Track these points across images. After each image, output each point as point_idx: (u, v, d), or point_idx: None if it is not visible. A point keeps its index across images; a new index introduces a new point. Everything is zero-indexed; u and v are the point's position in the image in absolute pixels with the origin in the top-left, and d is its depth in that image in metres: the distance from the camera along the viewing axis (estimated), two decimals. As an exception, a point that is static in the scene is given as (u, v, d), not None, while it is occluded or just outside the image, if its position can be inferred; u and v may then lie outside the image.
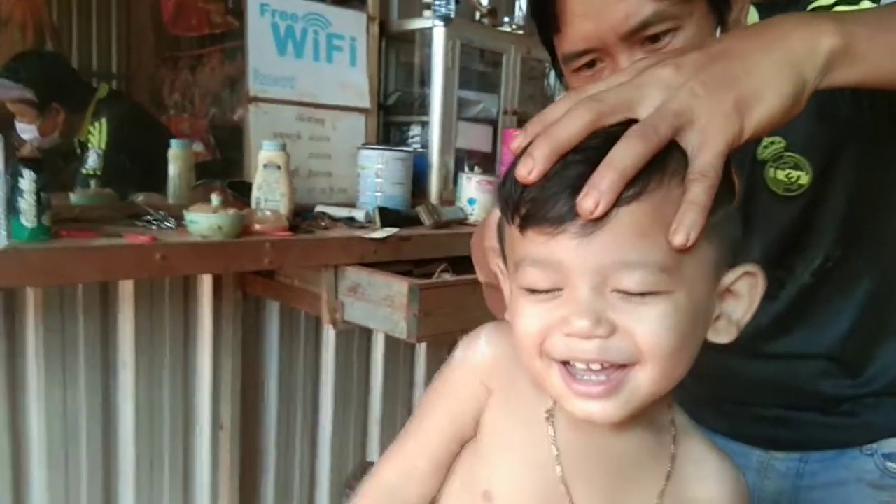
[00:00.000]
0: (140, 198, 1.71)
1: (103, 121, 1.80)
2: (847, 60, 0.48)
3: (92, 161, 1.73)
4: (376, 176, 1.78)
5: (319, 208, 1.75)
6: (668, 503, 0.53)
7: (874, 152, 0.70)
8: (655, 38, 0.65)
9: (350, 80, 1.91)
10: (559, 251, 0.45)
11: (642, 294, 0.45)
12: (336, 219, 1.70)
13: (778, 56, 0.47)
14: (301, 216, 1.68)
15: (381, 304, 1.47)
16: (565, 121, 0.46)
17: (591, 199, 0.43)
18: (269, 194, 1.53)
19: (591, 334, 0.45)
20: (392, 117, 2.08)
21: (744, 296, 0.50)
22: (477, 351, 0.57)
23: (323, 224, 1.63)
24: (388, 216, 1.66)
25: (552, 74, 2.15)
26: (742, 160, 0.69)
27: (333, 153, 1.89)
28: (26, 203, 1.17)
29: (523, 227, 0.48)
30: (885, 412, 0.78)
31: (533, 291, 0.48)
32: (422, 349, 2.23)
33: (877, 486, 0.80)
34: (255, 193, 1.53)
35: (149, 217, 1.45)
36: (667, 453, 0.54)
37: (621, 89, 0.47)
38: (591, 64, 0.69)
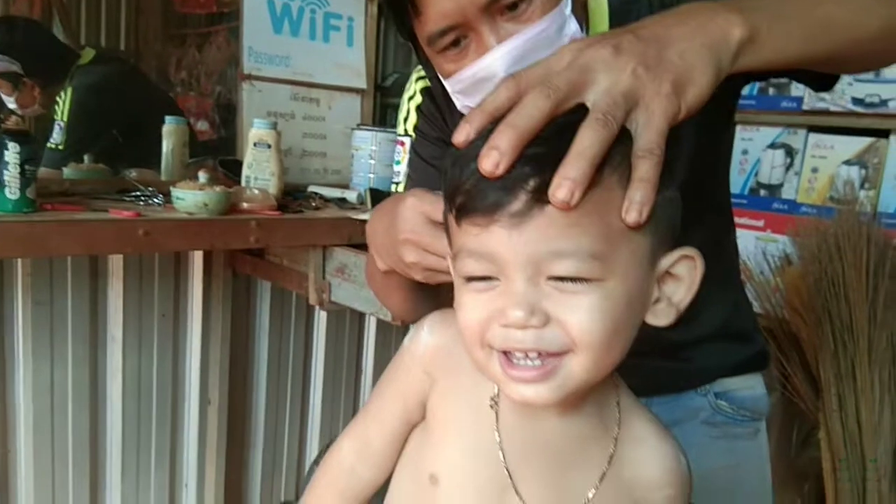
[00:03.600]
0: (133, 174, 1.71)
1: (69, 90, 1.73)
2: (752, 49, 0.52)
3: (56, 134, 1.70)
4: (370, 157, 1.78)
5: (312, 188, 1.75)
6: (608, 486, 0.54)
7: (707, 126, 0.74)
8: (514, 6, 0.67)
9: (347, 60, 1.90)
10: (492, 242, 0.46)
11: (574, 280, 0.45)
12: (328, 199, 1.69)
13: (701, 41, 0.50)
14: (292, 196, 1.68)
15: (368, 285, 1.46)
16: (524, 109, 0.46)
17: (566, 188, 0.43)
18: (259, 173, 1.53)
19: (526, 325, 0.45)
20: (389, 99, 2.07)
21: (684, 278, 0.50)
22: (419, 341, 0.58)
23: (314, 204, 1.63)
24: (379, 197, 1.66)
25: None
26: None
27: (328, 133, 1.88)
28: (10, 175, 1.18)
29: (458, 218, 0.48)
30: (717, 355, 0.86)
31: (471, 280, 0.48)
32: (414, 332, 2.23)
33: (709, 423, 0.87)
34: (244, 172, 1.53)
35: (138, 193, 1.45)
36: (610, 436, 0.54)
37: (567, 74, 0.47)
38: (456, 42, 0.69)
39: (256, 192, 1.46)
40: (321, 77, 1.84)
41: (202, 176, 1.38)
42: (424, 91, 0.85)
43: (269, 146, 1.53)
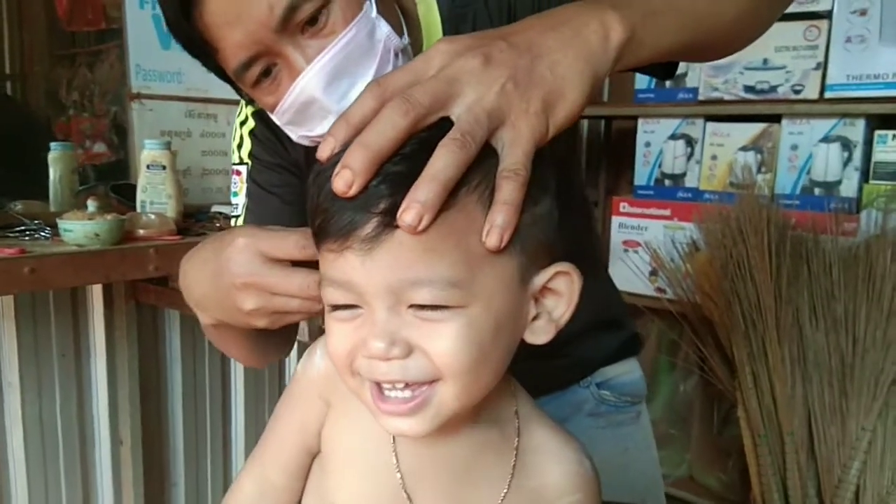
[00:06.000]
0: (18, 206, 1.59)
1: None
2: (631, 48, 0.51)
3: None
4: (275, 173, 1.72)
5: (216, 209, 1.68)
6: (515, 497, 0.53)
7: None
8: (313, 21, 0.63)
9: (243, 73, 1.83)
10: (348, 269, 0.44)
11: (434, 308, 0.43)
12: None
13: (576, 52, 0.48)
14: (194, 217, 1.60)
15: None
16: (379, 126, 0.43)
17: (414, 212, 0.41)
18: (155, 196, 1.45)
19: (387, 356, 0.44)
20: (291, 111, 2.01)
21: (563, 293, 0.48)
22: (312, 365, 0.55)
23: (218, 225, 1.56)
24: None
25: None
26: None
27: (229, 150, 1.81)
28: None
29: (316, 241, 0.46)
30: (594, 345, 0.86)
31: (336, 308, 0.46)
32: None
33: (594, 415, 0.88)
34: (139, 196, 1.46)
35: (23, 227, 1.35)
36: (511, 446, 0.53)
37: (432, 85, 0.44)
38: (267, 72, 0.66)
39: (153, 217, 1.39)
40: (217, 91, 1.76)
41: (91, 204, 1.30)
42: (257, 114, 0.79)
43: (164, 167, 1.45)
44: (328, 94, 0.64)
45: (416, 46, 0.72)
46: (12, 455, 1.60)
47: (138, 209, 1.45)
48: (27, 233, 1.33)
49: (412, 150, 0.43)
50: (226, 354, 0.76)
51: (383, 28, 0.65)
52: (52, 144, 1.59)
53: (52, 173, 1.58)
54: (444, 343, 0.43)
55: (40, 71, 2.56)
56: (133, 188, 1.54)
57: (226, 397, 2.00)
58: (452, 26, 0.74)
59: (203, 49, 0.66)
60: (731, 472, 1.96)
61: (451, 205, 0.42)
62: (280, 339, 0.74)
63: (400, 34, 0.68)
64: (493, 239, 0.43)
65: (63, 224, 1.24)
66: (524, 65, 0.46)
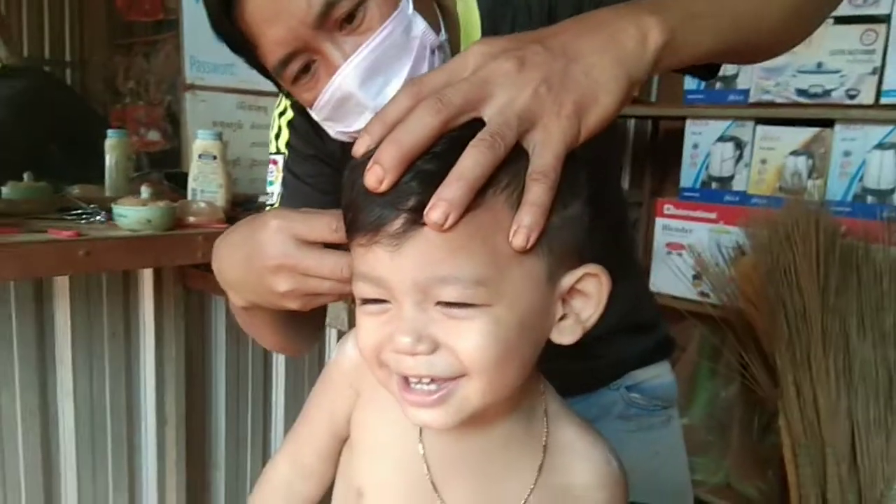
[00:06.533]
0: (76, 190, 1.65)
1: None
2: (669, 52, 0.50)
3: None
4: (321, 164, 1.75)
5: (262, 199, 1.71)
6: (540, 494, 0.53)
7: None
8: (350, 18, 0.64)
9: (293, 66, 1.87)
10: (377, 265, 0.45)
11: (461, 306, 0.44)
12: (279, 209, 1.66)
13: (611, 56, 0.48)
14: (242, 207, 1.64)
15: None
16: (411, 124, 0.44)
17: (441, 210, 0.41)
18: (206, 185, 1.49)
19: (414, 351, 0.45)
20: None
21: (592, 294, 0.49)
22: (345, 355, 0.57)
23: (265, 215, 1.60)
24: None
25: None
26: None
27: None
28: (-62, 198, 1.13)
29: (348, 234, 0.47)
30: (624, 348, 0.86)
31: (365, 302, 0.47)
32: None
33: (624, 418, 0.88)
34: (190, 185, 1.50)
35: (80, 210, 1.41)
36: (539, 444, 0.54)
37: (465, 86, 0.45)
38: (306, 69, 0.67)
39: (203, 205, 1.43)
40: (268, 85, 1.79)
41: (145, 191, 1.34)
42: (295, 105, 0.81)
43: (215, 157, 1.49)
44: (364, 90, 0.65)
45: (454, 43, 0.73)
46: (64, 428, 1.66)
47: (189, 197, 1.49)
48: (83, 216, 1.38)
49: (443, 148, 0.44)
50: (256, 339, 0.77)
51: (420, 25, 0.66)
52: (109, 132, 1.65)
53: (109, 159, 1.64)
54: (470, 340, 0.44)
55: (99, 59, 2.65)
56: (185, 176, 1.58)
57: (267, 382, 2.04)
58: (491, 24, 0.74)
59: (244, 45, 0.67)
60: (769, 481, 1.93)
61: (479, 204, 0.43)
62: (309, 325, 0.75)
63: (437, 31, 0.68)
64: (519, 239, 0.43)
65: (117, 209, 1.29)
66: (558, 68, 0.46)
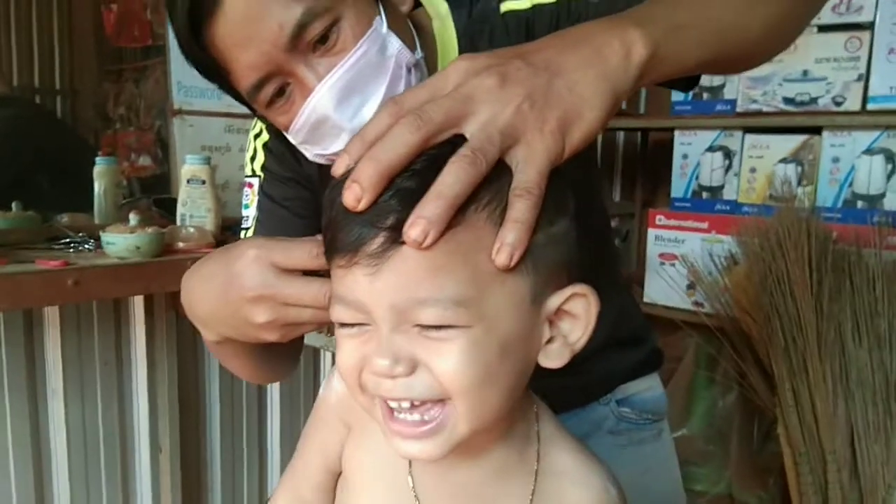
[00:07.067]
0: (64, 219, 1.65)
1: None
2: (653, 66, 0.50)
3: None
4: (310, 186, 1.74)
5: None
6: None
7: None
8: (324, 39, 0.63)
9: (281, 88, 1.87)
10: (356, 288, 0.44)
11: (439, 328, 0.43)
12: (270, 232, 1.65)
13: (595, 71, 0.47)
14: (232, 230, 1.63)
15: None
16: (389, 142, 0.42)
17: (420, 227, 0.40)
18: (195, 210, 1.49)
19: (392, 374, 0.43)
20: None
21: (580, 316, 0.47)
22: (331, 389, 0.56)
23: (255, 238, 1.59)
24: (322, 227, 1.63)
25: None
26: None
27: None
28: (-77, 232, 1.12)
29: (328, 256, 0.46)
30: (613, 362, 0.84)
31: (344, 325, 0.46)
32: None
33: (614, 433, 0.87)
34: (179, 210, 1.49)
35: (68, 239, 1.40)
36: (531, 469, 0.52)
37: (446, 103, 0.44)
38: (280, 92, 0.65)
39: (192, 230, 1.42)
40: (255, 107, 1.80)
41: (133, 218, 1.34)
42: (271, 128, 0.78)
43: (204, 182, 1.49)
44: (340, 111, 0.64)
45: (430, 61, 0.72)
46: (55, 459, 1.64)
47: (178, 222, 1.48)
48: (72, 245, 1.37)
49: (423, 165, 0.43)
50: (231, 371, 0.75)
51: (394, 43, 0.65)
52: (98, 159, 1.64)
53: (97, 187, 1.63)
54: (449, 362, 0.43)
55: (89, 86, 2.65)
56: (174, 201, 1.58)
57: (262, 407, 2.02)
58: (468, 41, 0.74)
59: (216, 71, 0.66)
60: (771, 490, 1.91)
61: (460, 222, 0.42)
62: (286, 354, 0.74)
63: (412, 49, 0.68)
64: (502, 257, 0.42)
65: (105, 237, 1.28)
66: (541, 84, 0.45)
